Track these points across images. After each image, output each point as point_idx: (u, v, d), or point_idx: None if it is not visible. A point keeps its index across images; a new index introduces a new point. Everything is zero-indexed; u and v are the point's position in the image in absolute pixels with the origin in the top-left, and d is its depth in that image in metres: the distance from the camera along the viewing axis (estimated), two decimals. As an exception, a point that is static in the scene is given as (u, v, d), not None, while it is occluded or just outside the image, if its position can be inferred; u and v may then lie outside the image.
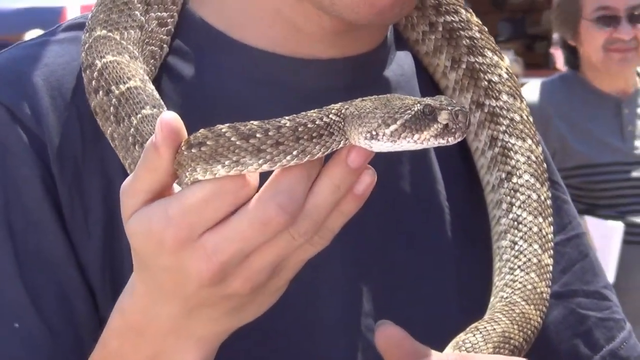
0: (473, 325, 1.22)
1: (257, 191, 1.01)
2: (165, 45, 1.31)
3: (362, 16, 1.24)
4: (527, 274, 1.29)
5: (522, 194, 1.35)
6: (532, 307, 1.25)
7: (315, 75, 1.32)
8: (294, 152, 1.00)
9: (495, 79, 1.40)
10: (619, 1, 4.09)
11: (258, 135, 1.00)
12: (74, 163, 1.24)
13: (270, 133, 1.00)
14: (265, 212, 1.00)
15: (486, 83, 1.39)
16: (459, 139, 1.04)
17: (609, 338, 1.44)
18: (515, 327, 1.22)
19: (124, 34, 1.26)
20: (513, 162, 1.36)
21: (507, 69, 1.41)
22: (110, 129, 1.18)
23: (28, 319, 1.20)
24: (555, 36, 5.81)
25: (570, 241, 1.46)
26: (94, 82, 1.20)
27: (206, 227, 1.01)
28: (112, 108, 1.17)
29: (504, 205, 1.35)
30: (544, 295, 1.28)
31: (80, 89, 1.24)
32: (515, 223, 1.33)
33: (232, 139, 1.00)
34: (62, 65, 1.29)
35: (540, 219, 1.34)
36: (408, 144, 1.03)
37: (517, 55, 7.68)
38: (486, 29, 1.42)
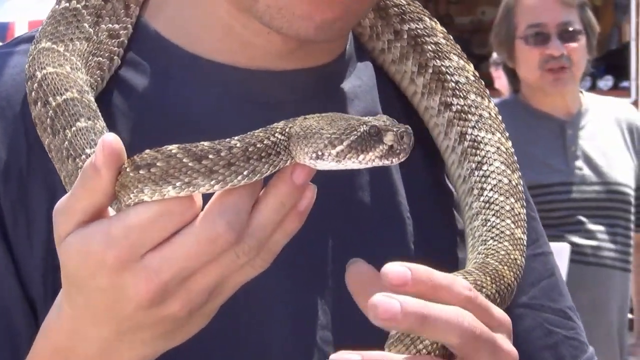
0: None
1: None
2: (115, 57, 1.31)
3: (302, 33, 1.25)
4: (500, 243, 1.29)
5: (493, 179, 1.35)
6: (505, 267, 1.24)
7: (268, 86, 1.32)
8: (245, 172, 1.01)
9: (463, 80, 1.41)
10: (549, 18, 4.11)
11: (210, 156, 1.00)
12: (18, 175, 1.24)
13: (222, 154, 1.00)
14: (213, 230, 1.00)
15: (453, 84, 1.40)
16: (402, 159, 1.06)
17: (574, 356, 1.45)
18: (488, 279, 1.21)
19: (68, 45, 1.27)
20: (483, 153, 1.37)
21: (473, 72, 1.43)
22: (47, 140, 1.19)
23: None
24: (494, 56, 5.86)
25: (537, 257, 1.48)
26: (33, 94, 1.21)
27: (149, 248, 1.01)
28: (48, 120, 1.18)
29: (475, 191, 1.35)
30: (518, 262, 1.27)
31: (26, 100, 1.25)
32: (487, 204, 1.34)
33: (184, 160, 1.00)
34: (12, 76, 1.29)
35: (512, 200, 1.34)
36: (353, 164, 1.05)
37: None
38: (451, 37, 1.44)
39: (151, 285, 1.01)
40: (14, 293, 1.22)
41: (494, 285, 1.21)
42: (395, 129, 1.05)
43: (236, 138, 1.02)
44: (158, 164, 1.00)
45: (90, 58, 1.28)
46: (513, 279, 1.25)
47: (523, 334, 1.41)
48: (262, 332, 1.26)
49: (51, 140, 1.18)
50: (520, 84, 4.28)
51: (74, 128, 1.16)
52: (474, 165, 1.36)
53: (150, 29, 1.35)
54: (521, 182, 1.37)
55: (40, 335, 1.12)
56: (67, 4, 1.32)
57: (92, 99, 1.21)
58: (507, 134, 1.41)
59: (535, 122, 4.20)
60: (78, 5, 1.31)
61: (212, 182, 1.00)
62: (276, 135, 1.04)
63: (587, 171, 4.12)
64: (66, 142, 1.15)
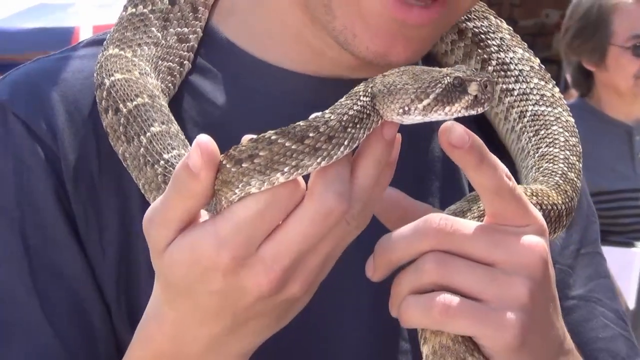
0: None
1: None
2: (186, 62, 1.30)
3: (375, 61, 1.24)
4: (556, 164, 1.30)
5: (550, 139, 1.35)
6: (564, 183, 1.25)
7: (337, 94, 1.31)
8: (345, 142, 1.01)
9: (527, 68, 1.40)
10: None
11: (311, 134, 0.99)
12: (89, 179, 1.23)
13: (321, 130, 1.00)
14: (325, 205, 0.99)
15: (517, 72, 1.39)
16: (487, 109, 1.07)
17: (629, 355, 1.43)
18: (553, 192, 1.21)
19: (136, 51, 1.25)
20: (542, 122, 1.37)
21: (539, 64, 1.42)
22: (121, 148, 1.17)
23: (42, 336, 1.19)
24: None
25: (595, 256, 1.47)
26: (103, 102, 1.20)
27: (262, 239, 1.00)
28: (121, 127, 1.17)
29: (532, 152, 1.35)
30: (576, 183, 1.28)
31: (96, 106, 1.24)
32: (543, 156, 1.33)
33: (287, 144, 0.98)
34: (80, 80, 1.28)
35: (568, 152, 1.33)
36: (439, 116, 1.05)
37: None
38: (518, 36, 1.43)
39: (272, 275, 1.00)
40: (92, 297, 1.22)
41: (559, 197, 1.22)
42: (478, 79, 1.05)
43: (327, 111, 1.02)
44: (261, 153, 0.98)
45: (159, 63, 1.26)
46: (573, 194, 1.25)
47: (577, 324, 1.39)
48: (335, 332, 1.26)
49: (126, 148, 1.16)
50: (593, 88, 4.21)
51: (148, 134, 1.14)
52: (531, 134, 1.36)
53: (220, 34, 1.33)
54: (580, 150, 1.36)
55: (136, 343, 1.11)
56: (134, 10, 1.30)
57: (164, 103, 1.19)
58: (569, 111, 1.40)
59: (603, 127, 4.15)
60: (145, 10, 1.29)
61: (319, 160, 0.99)
62: (361, 99, 1.03)
63: (654, 177, 4.06)
64: (142, 149, 1.14)
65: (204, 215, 1.03)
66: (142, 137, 1.14)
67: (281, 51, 1.31)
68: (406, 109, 1.03)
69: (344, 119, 1.01)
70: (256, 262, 1.00)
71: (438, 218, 1.08)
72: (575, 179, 1.28)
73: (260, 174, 0.98)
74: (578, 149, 1.34)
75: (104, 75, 1.21)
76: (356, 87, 1.05)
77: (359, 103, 1.03)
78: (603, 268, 1.48)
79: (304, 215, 1.00)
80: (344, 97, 1.04)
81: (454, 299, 1.05)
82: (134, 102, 1.17)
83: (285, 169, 0.98)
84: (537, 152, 1.32)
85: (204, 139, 0.98)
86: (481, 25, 1.41)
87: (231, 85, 1.30)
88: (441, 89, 1.03)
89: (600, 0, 4.14)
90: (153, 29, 1.28)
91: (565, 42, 4.28)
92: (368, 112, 1.03)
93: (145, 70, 1.23)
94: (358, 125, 1.02)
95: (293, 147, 0.98)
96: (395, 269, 1.10)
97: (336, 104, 1.03)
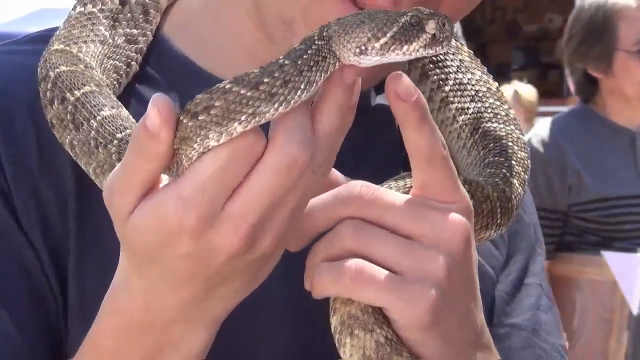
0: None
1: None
2: (133, 63, 1.28)
3: None
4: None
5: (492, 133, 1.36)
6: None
7: None
8: (302, 86, 0.98)
9: (484, 89, 1.40)
10: None
11: (266, 80, 0.96)
12: (30, 174, 1.21)
13: (276, 75, 0.97)
14: (287, 156, 0.96)
15: (474, 93, 1.39)
16: (446, 49, 1.04)
17: None
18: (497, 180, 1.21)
19: (82, 47, 1.24)
20: (493, 135, 1.37)
21: (497, 86, 1.42)
22: (69, 137, 1.15)
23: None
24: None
25: (539, 288, 1.43)
26: (48, 94, 1.18)
27: (227, 196, 0.97)
28: (68, 115, 1.15)
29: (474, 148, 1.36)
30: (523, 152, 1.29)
31: (38, 102, 1.21)
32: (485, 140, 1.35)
33: (242, 92, 0.95)
34: (20, 77, 1.25)
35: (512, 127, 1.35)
36: (397, 56, 1.02)
37: (530, 83, 7.66)
38: (478, 59, 1.44)
39: (241, 233, 0.97)
40: (44, 282, 1.20)
41: (495, 193, 1.20)
42: (436, 17, 1.03)
43: (282, 57, 0.99)
44: (216, 104, 0.95)
45: (105, 61, 1.25)
46: (512, 196, 1.24)
47: (510, 351, 1.36)
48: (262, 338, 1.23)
49: (74, 136, 1.15)
50: (597, 94, 4.20)
51: (99, 117, 1.13)
52: (481, 148, 1.35)
53: (171, 44, 1.32)
54: (528, 165, 1.34)
55: (104, 314, 1.08)
56: (83, 9, 1.29)
57: (112, 93, 1.18)
58: (522, 131, 1.40)
59: (606, 133, 4.14)
60: (94, 10, 1.28)
61: (276, 106, 0.96)
62: (316, 42, 1.01)
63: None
64: (93, 132, 1.12)
65: (165, 180, 1.00)
66: (92, 121, 1.12)
67: (232, 66, 1.28)
68: (363, 48, 1.01)
69: (299, 62, 0.98)
70: (224, 221, 0.97)
71: (360, 185, 1.06)
72: (517, 186, 1.27)
73: (217, 126, 0.95)
74: (526, 162, 1.32)
75: (49, 68, 1.19)
76: (311, 32, 1.02)
77: (314, 47, 1.00)
78: (545, 302, 1.43)
79: (267, 167, 0.96)
80: (299, 43, 1.01)
81: (367, 265, 1.03)
82: (82, 90, 1.15)
83: (243, 118, 0.95)
84: (484, 162, 1.31)
85: (161, 98, 0.95)
86: None
87: (179, 98, 1.26)
88: (398, 27, 1.02)
89: (604, 6, 4.13)
90: (101, 27, 1.27)
91: (570, 50, 4.26)
92: (324, 54, 1.00)
93: (91, 65, 1.22)
94: (314, 69, 0.99)
95: (249, 94, 0.95)
96: (314, 237, 1.08)
97: (291, 49, 1.01)
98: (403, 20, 1.02)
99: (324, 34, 1.02)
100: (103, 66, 1.24)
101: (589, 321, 3.98)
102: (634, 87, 4.10)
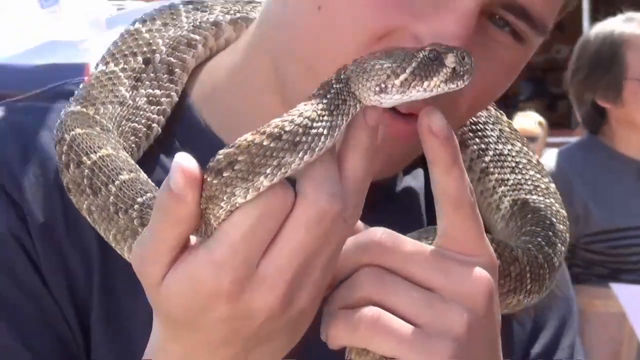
0: None
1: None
2: (154, 125, 1.24)
3: None
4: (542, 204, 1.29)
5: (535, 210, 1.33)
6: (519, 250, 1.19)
7: None
8: (325, 131, 0.95)
9: (524, 161, 1.37)
10: None
11: (287, 128, 0.93)
12: (56, 238, 1.19)
13: (297, 122, 0.94)
14: (319, 208, 0.94)
15: (514, 164, 1.36)
16: (467, 82, 1.01)
17: None
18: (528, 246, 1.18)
19: (99, 109, 1.21)
20: (531, 207, 1.34)
21: (537, 159, 1.39)
22: (86, 202, 1.13)
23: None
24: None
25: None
26: (64, 157, 1.15)
27: (260, 254, 0.95)
28: (85, 180, 1.12)
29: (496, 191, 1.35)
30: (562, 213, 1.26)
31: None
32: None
33: (264, 143, 0.93)
34: (44, 135, 1.24)
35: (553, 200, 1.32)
36: (418, 93, 1.00)
37: (538, 114, 7.66)
38: (517, 130, 1.41)
39: (277, 291, 0.95)
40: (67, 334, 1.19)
41: (525, 257, 1.16)
42: (455, 51, 1.01)
43: (301, 104, 0.97)
44: (239, 158, 0.92)
45: (123, 123, 1.21)
46: (545, 265, 1.21)
47: None
48: None
49: (92, 200, 1.12)
50: (605, 125, 4.19)
51: (117, 181, 1.10)
52: (519, 218, 1.32)
53: (197, 116, 1.29)
54: (566, 238, 1.32)
55: None
56: (104, 67, 1.26)
57: (128, 156, 1.15)
58: (562, 204, 1.37)
59: (613, 164, 4.13)
60: (116, 69, 1.25)
61: (300, 155, 0.94)
62: (334, 86, 0.99)
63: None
64: (112, 197, 1.09)
65: (194, 239, 0.98)
66: (110, 186, 1.10)
67: None
68: (383, 86, 0.99)
69: (319, 107, 0.96)
70: (259, 281, 0.94)
71: (380, 232, 1.04)
72: (552, 255, 1.23)
73: (243, 181, 0.92)
74: (564, 235, 1.30)
75: (64, 131, 1.16)
76: (328, 77, 1.00)
77: (332, 90, 0.98)
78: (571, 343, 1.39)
79: (298, 222, 0.94)
80: (316, 88, 0.99)
81: (384, 315, 1.00)
82: (98, 154, 1.12)
83: (268, 171, 0.92)
84: (520, 231, 1.28)
85: (183, 158, 0.93)
86: (480, 115, 1.39)
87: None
88: (417, 62, 0.99)
89: (611, 36, 4.13)
90: (121, 88, 1.24)
91: (577, 81, 4.26)
92: (344, 97, 0.98)
93: (107, 127, 1.19)
94: (335, 112, 0.97)
95: (272, 145, 0.93)
96: (333, 285, 1.05)
97: (309, 95, 0.99)
98: (421, 55, 1.00)
99: (342, 76, 1.00)
100: (120, 128, 1.21)
101: (597, 353, 3.96)
102: None
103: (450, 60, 1.00)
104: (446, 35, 1.11)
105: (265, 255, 0.95)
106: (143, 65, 1.26)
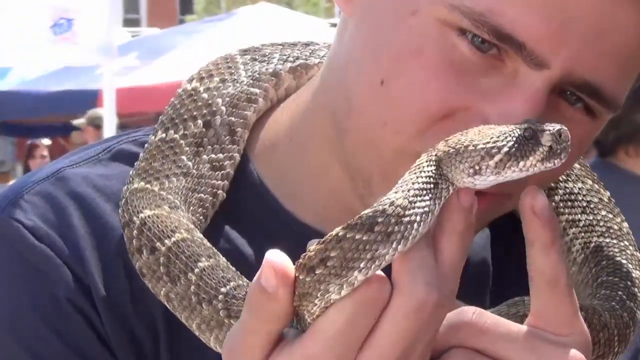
0: None
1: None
2: (219, 191, 1.21)
3: None
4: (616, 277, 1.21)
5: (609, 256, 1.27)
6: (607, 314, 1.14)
7: None
8: (418, 218, 0.92)
9: (595, 200, 1.32)
10: None
11: (379, 220, 0.91)
12: (121, 308, 1.17)
13: (389, 211, 0.91)
14: (417, 299, 0.92)
15: (585, 204, 1.31)
16: (564, 160, 0.97)
17: None
18: (607, 315, 1.12)
19: (164, 183, 1.17)
20: (605, 252, 1.27)
21: (609, 196, 1.34)
22: (164, 289, 1.10)
23: None
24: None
25: None
26: (134, 241, 1.12)
27: (357, 349, 0.93)
28: (161, 267, 1.09)
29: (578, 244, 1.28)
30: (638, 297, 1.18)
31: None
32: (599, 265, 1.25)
33: (357, 237, 0.90)
34: (102, 204, 1.20)
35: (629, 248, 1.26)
36: (513, 173, 0.96)
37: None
38: (587, 165, 1.36)
39: None
40: None
41: (612, 320, 1.13)
42: (551, 128, 0.96)
43: (392, 191, 0.94)
44: (332, 254, 0.90)
45: (190, 195, 1.18)
46: (630, 322, 1.16)
47: None
48: None
49: (170, 288, 1.09)
50: (618, 146, 4.14)
51: (197, 269, 1.07)
52: (592, 264, 1.25)
53: (254, 175, 1.25)
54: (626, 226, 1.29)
55: None
56: (164, 135, 1.21)
57: (202, 236, 1.12)
58: (637, 247, 1.30)
59: (628, 186, 4.08)
60: (176, 136, 1.21)
61: (394, 245, 0.91)
62: (425, 169, 0.96)
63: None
64: (192, 287, 1.06)
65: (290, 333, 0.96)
66: (189, 274, 1.06)
67: (316, 207, 1.24)
68: (477, 167, 0.95)
69: (411, 194, 0.92)
70: None
71: (472, 312, 1.00)
72: (635, 309, 1.18)
73: (336, 277, 0.90)
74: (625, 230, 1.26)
75: (132, 213, 1.13)
76: (418, 159, 0.97)
77: (424, 174, 0.94)
78: None
79: (396, 314, 0.92)
80: (407, 172, 0.96)
81: None
82: (172, 239, 1.09)
83: (362, 265, 0.89)
84: (596, 281, 1.22)
85: (275, 255, 0.91)
86: None
87: (255, 235, 1.22)
88: (512, 142, 0.95)
89: None
90: (183, 157, 1.19)
91: (627, 100, 4.13)
92: (435, 180, 0.95)
93: (175, 203, 1.15)
94: (427, 197, 0.93)
95: (364, 238, 0.90)
96: None
97: (399, 181, 0.95)
98: (517, 134, 0.96)
99: (433, 158, 0.96)
100: (188, 201, 1.17)
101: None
102: None
103: (547, 138, 0.96)
104: (515, 116, 1.06)
105: (364, 347, 0.93)
106: (204, 129, 1.22)
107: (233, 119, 1.24)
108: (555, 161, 0.97)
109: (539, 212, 0.98)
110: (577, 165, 1.33)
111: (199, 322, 1.07)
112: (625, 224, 1.32)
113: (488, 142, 0.95)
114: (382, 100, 1.13)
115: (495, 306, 1.11)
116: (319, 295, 0.91)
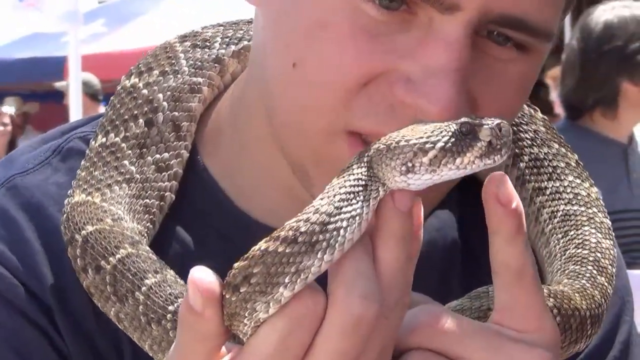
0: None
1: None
2: (167, 194, 1.16)
3: None
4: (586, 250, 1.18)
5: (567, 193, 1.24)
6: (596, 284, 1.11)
7: None
8: (344, 224, 0.87)
9: (562, 165, 1.27)
10: None
11: (302, 229, 0.86)
12: (84, 326, 1.14)
13: (312, 220, 0.86)
14: (352, 314, 0.87)
15: (551, 169, 1.27)
16: (505, 157, 0.91)
17: None
18: (577, 296, 1.08)
19: (105, 193, 1.11)
20: (572, 222, 1.23)
21: (576, 160, 1.30)
22: (113, 309, 1.06)
23: None
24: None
25: None
26: (79, 261, 1.08)
27: None
28: (108, 287, 1.05)
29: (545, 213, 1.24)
30: (608, 271, 1.15)
31: None
32: (563, 217, 1.22)
33: (280, 249, 0.85)
34: (55, 215, 1.16)
35: (594, 209, 1.22)
36: (450, 171, 0.90)
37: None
38: (553, 127, 1.32)
39: None
40: None
41: (583, 302, 1.08)
42: (490, 122, 0.90)
43: (316, 200, 0.88)
44: (254, 270, 0.86)
45: (134, 202, 1.13)
46: (602, 300, 1.12)
47: None
48: None
49: (119, 308, 1.05)
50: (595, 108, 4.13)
51: (143, 288, 1.03)
52: (560, 235, 1.21)
53: (206, 173, 1.21)
54: (614, 254, 1.23)
55: None
56: (104, 139, 1.15)
57: (149, 249, 1.07)
58: (606, 213, 1.27)
59: (598, 147, 4.08)
60: (117, 139, 1.15)
61: (319, 255, 0.86)
62: (354, 170, 0.90)
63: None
64: (141, 306, 1.03)
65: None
66: (137, 293, 1.03)
67: (267, 204, 1.19)
68: (409, 165, 0.88)
69: (337, 199, 0.87)
70: None
71: (430, 312, 0.95)
72: (606, 284, 1.14)
73: (262, 295, 0.85)
74: (612, 252, 1.19)
75: (74, 230, 1.07)
76: (348, 161, 0.91)
77: (352, 176, 0.89)
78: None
79: (332, 330, 0.87)
80: (335, 176, 0.90)
81: None
82: (117, 256, 1.04)
83: (287, 279, 0.85)
84: (565, 254, 1.18)
85: (199, 274, 0.87)
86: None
87: (208, 236, 1.18)
88: (448, 137, 0.89)
89: (637, 16, 4.03)
90: (126, 161, 1.13)
91: (607, 63, 4.08)
92: (364, 182, 0.89)
93: (118, 214, 1.09)
94: (354, 201, 0.87)
95: (287, 250, 0.85)
96: None
97: (327, 186, 0.89)
98: (452, 129, 0.90)
99: (364, 158, 0.91)
100: (132, 210, 1.12)
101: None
102: None
103: (485, 133, 0.90)
104: (439, 66, 1.03)
105: None
106: (146, 129, 1.16)
107: (177, 113, 1.19)
108: (496, 157, 0.90)
109: (503, 200, 0.93)
110: (542, 129, 1.29)
111: (150, 343, 1.03)
112: (595, 189, 1.28)
113: (421, 137, 0.89)
114: (298, 83, 1.08)
115: (465, 288, 1.07)
116: (246, 314, 0.87)
